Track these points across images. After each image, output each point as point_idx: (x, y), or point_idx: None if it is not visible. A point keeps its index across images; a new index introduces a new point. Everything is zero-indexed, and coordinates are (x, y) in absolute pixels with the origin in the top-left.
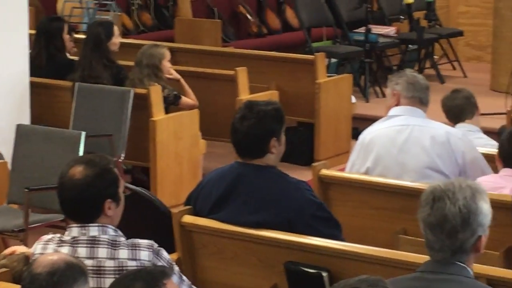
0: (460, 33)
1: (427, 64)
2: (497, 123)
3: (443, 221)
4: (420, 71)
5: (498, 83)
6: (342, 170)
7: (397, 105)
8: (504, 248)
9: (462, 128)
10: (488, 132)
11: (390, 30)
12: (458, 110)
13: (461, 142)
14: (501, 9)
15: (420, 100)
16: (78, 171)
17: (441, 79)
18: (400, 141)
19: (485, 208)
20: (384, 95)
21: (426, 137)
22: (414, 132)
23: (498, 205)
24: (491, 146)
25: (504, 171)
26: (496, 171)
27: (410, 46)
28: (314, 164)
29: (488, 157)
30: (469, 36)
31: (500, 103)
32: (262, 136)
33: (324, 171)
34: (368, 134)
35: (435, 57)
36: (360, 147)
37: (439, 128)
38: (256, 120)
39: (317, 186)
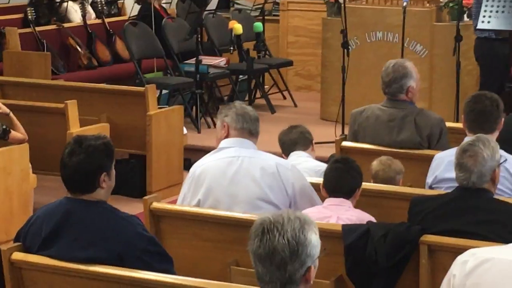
0: (289, 63)
1: (258, 94)
2: (327, 151)
3: (272, 253)
4: (251, 101)
5: (328, 112)
6: (175, 201)
7: (227, 136)
8: (335, 277)
9: (295, 155)
10: (319, 160)
11: (221, 61)
12: (291, 143)
13: (290, 173)
14: (329, 39)
15: (249, 132)
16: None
17: (271, 109)
18: (231, 173)
19: (314, 239)
20: (215, 126)
21: (256, 169)
22: (245, 163)
23: (328, 235)
24: (321, 168)
25: (329, 201)
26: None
27: (240, 76)
28: (145, 197)
29: (315, 186)
30: (298, 66)
31: (330, 131)
32: (92, 172)
33: (155, 204)
34: (199, 166)
35: (265, 87)
36: (191, 180)
37: (269, 159)
38: (85, 155)
39: (148, 219)
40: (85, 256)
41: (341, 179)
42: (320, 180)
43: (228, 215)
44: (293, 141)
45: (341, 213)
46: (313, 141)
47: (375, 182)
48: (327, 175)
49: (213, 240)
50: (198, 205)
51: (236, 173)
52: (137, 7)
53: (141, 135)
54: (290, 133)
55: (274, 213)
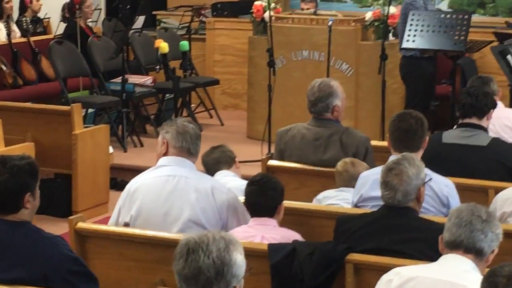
0: (216, 82)
1: (184, 113)
2: (254, 170)
3: (197, 273)
4: None
5: (254, 130)
6: (101, 221)
7: (166, 154)
8: None
9: (220, 174)
10: (246, 179)
11: (147, 79)
12: (214, 163)
13: (225, 196)
14: (256, 57)
15: (188, 151)
16: None
17: (198, 127)
18: (165, 193)
19: (239, 259)
20: (142, 145)
21: (191, 190)
22: (180, 183)
23: (254, 254)
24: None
25: (253, 220)
26: None
27: (167, 95)
28: (71, 217)
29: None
30: (225, 85)
31: (256, 150)
32: (16, 192)
33: (81, 224)
34: (135, 182)
35: (192, 105)
36: (127, 195)
37: (205, 181)
38: (9, 176)
39: (73, 239)
40: (9, 277)
41: (259, 201)
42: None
43: (154, 235)
44: (215, 160)
45: (265, 232)
46: (236, 159)
47: (341, 182)
48: (246, 197)
49: (139, 260)
50: (130, 221)
51: (170, 193)
52: (63, 26)
53: (66, 154)
54: (212, 153)
55: (199, 233)
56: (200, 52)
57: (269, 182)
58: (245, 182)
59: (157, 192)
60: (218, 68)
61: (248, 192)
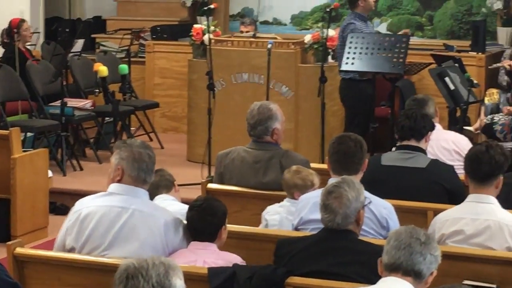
0: (156, 105)
1: (124, 136)
2: (194, 193)
3: None
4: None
5: (194, 153)
6: (41, 245)
7: (119, 180)
8: None
9: (159, 198)
10: (187, 202)
11: (86, 103)
12: (154, 188)
13: (176, 233)
14: (195, 80)
15: (143, 180)
16: None
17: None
18: (117, 225)
19: (179, 284)
20: (81, 168)
21: (144, 226)
22: (133, 218)
23: (195, 278)
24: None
25: (194, 245)
26: None
27: (106, 118)
28: (9, 242)
29: None
30: (165, 108)
31: (196, 173)
32: None
33: (19, 250)
34: (86, 207)
35: (131, 129)
36: (76, 219)
37: (159, 216)
38: None
39: (12, 265)
40: None
41: (199, 226)
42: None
43: (93, 260)
44: (154, 185)
45: (207, 256)
46: (175, 183)
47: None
48: (187, 222)
49: (79, 285)
50: (76, 245)
51: (122, 227)
52: (1, 49)
53: (5, 179)
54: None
55: (138, 259)
56: (139, 75)
57: (210, 207)
58: (185, 206)
59: (109, 223)
60: (157, 91)
61: (189, 218)
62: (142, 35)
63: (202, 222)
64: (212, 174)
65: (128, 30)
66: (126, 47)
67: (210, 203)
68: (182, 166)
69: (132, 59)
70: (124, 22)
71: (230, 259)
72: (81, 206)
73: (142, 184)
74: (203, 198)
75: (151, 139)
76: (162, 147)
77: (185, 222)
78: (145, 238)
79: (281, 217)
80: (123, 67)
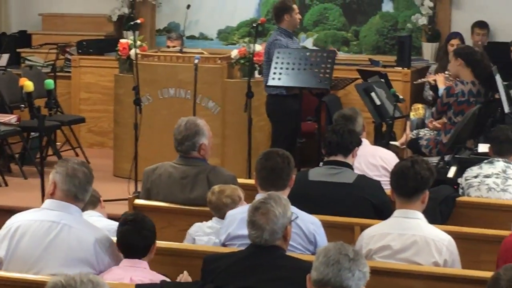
0: (82, 120)
1: (50, 152)
2: (120, 209)
3: None
4: (43, 158)
5: (121, 169)
6: None
7: (53, 194)
8: None
9: (85, 215)
10: (113, 218)
11: (11, 118)
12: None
13: (106, 251)
14: (122, 95)
15: (75, 196)
16: None
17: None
18: (47, 240)
19: None
20: (6, 184)
21: (73, 241)
22: (63, 233)
23: None
24: (113, 227)
25: (124, 262)
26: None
27: (32, 133)
28: None
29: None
30: (91, 123)
31: (123, 188)
32: None
33: None
34: (18, 221)
35: (57, 144)
36: (7, 232)
37: (89, 233)
38: None
39: None
40: None
41: (134, 240)
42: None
43: (21, 277)
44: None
45: (135, 274)
46: (101, 199)
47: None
48: (119, 237)
49: None
50: (5, 256)
51: (51, 241)
52: None
53: None
54: None
55: (66, 276)
56: (65, 90)
57: (143, 221)
58: (111, 222)
59: (38, 238)
60: (84, 106)
61: (122, 232)
62: (68, 49)
63: (137, 237)
64: (139, 189)
65: (54, 45)
66: (52, 62)
67: (143, 218)
68: (108, 181)
69: (58, 73)
70: (49, 37)
71: (157, 278)
72: (14, 220)
73: (73, 200)
74: (134, 214)
75: (77, 154)
76: (88, 162)
77: (114, 238)
78: (74, 254)
79: (209, 239)
80: (49, 82)
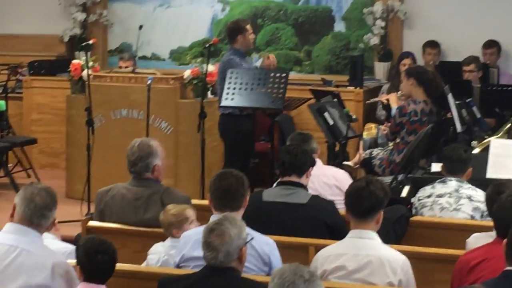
0: (33, 141)
1: (1, 173)
2: (73, 231)
3: None
4: None
5: (74, 190)
6: None
7: (12, 215)
8: None
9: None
10: (66, 240)
11: None
12: None
13: (64, 276)
14: (74, 116)
15: (30, 220)
16: None
17: (15, 187)
18: (4, 263)
19: None
20: None
21: (30, 266)
22: (21, 257)
23: None
24: (67, 250)
25: (81, 285)
26: None
27: None
28: None
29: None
30: (43, 144)
31: (76, 210)
32: None
33: None
34: None
35: (9, 165)
36: None
37: (47, 257)
38: None
39: None
40: None
41: (96, 265)
42: (73, 261)
43: None
44: None
45: None
46: (56, 221)
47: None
48: (80, 262)
49: None
50: None
51: (8, 266)
52: None
53: None
54: None
55: None
56: (17, 111)
57: (103, 245)
58: (66, 245)
59: None
60: (36, 127)
61: (82, 257)
62: (19, 70)
63: (94, 266)
64: (92, 211)
65: (5, 66)
66: (3, 83)
67: (103, 241)
68: (61, 202)
69: (9, 94)
70: (0, 57)
71: None
72: None
73: (28, 223)
74: (93, 237)
75: (28, 176)
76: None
77: (70, 261)
78: (31, 280)
79: (159, 258)
80: (0, 104)
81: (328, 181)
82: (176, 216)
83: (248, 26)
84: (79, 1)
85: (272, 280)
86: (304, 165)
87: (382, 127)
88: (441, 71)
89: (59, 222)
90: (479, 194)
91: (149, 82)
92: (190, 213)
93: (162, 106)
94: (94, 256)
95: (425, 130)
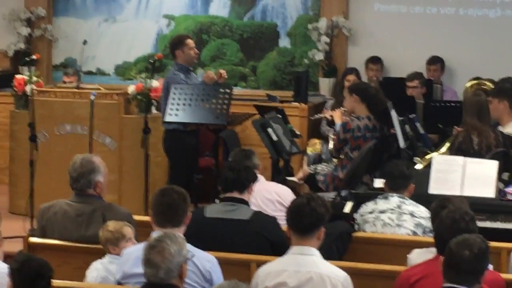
0: None
1: None
2: (16, 247)
3: None
4: None
5: (17, 205)
6: None
7: None
8: None
9: None
10: (9, 256)
11: None
12: None
13: None
14: (17, 131)
15: None
16: None
17: None
18: None
19: None
20: None
21: None
22: None
23: None
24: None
25: None
26: None
27: None
28: None
29: None
30: None
31: (19, 226)
32: None
33: None
34: None
35: None
36: None
37: None
38: None
39: None
40: None
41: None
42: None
43: None
44: None
45: None
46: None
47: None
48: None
49: None
50: None
51: None
52: None
53: None
54: None
55: None
56: None
57: (43, 268)
58: (2, 265)
59: None
60: None
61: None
62: None
63: (38, 285)
64: (35, 227)
65: None
66: None
67: (41, 264)
68: (3, 218)
69: None
70: None
71: None
72: None
73: None
74: (29, 259)
75: None
76: None
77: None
78: None
79: (97, 274)
80: None
81: (270, 197)
82: (113, 233)
83: (188, 41)
84: (24, 16)
85: None
86: (246, 181)
87: (331, 135)
88: (385, 87)
89: (3, 237)
90: (421, 210)
91: (92, 97)
92: (128, 231)
93: (106, 122)
94: (33, 282)
95: (368, 146)
